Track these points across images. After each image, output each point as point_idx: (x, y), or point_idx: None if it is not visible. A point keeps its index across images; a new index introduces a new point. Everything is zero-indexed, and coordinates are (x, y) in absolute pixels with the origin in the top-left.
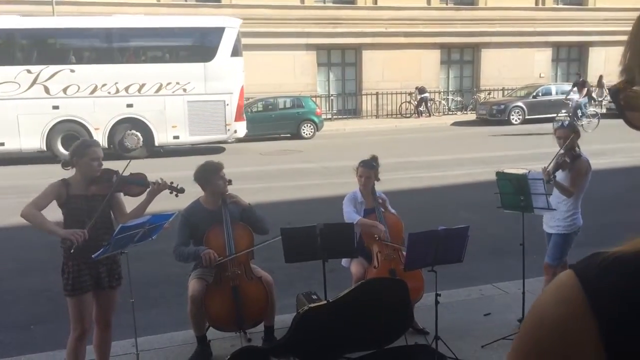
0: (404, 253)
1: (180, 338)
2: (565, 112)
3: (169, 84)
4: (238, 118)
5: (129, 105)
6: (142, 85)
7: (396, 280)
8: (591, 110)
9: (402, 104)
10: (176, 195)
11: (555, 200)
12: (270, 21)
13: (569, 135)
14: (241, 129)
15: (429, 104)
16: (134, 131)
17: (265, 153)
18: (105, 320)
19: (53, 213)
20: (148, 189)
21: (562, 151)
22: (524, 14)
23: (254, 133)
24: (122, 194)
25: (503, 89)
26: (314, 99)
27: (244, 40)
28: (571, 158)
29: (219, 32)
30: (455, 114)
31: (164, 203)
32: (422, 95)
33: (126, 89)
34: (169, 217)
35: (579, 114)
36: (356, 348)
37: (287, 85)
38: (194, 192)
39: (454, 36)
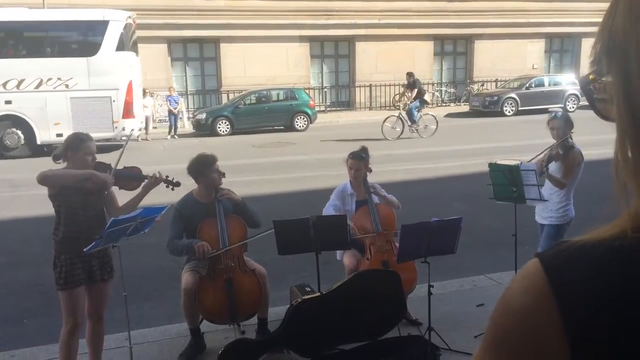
0: (397, 244)
1: (174, 331)
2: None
3: (49, 79)
4: (126, 115)
5: (8, 102)
6: (21, 81)
7: (389, 271)
8: (428, 114)
9: (395, 95)
10: (172, 189)
11: (548, 192)
12: (263, 13)
13: (562, 127)
14: (130, 126)
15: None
16: (14, 129)
17: (259, 145)
18: (98, 313)
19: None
20: (143, 183)
21: (556, 142)
22: (517, 4)
23: (247, 125)
24: (112, 187)
25: (496, 81)
26: (307, 91)
27: (237, 32)
28: (564, 149)
29: (102, 25)
30: (449, 105)
31: (157, 196)
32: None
33: (4, 84)
34: (160, 210)
35: (410, 120)
36: (350, 339)
37: (280, 77)
38: (190, 185)
39: (447, 28)
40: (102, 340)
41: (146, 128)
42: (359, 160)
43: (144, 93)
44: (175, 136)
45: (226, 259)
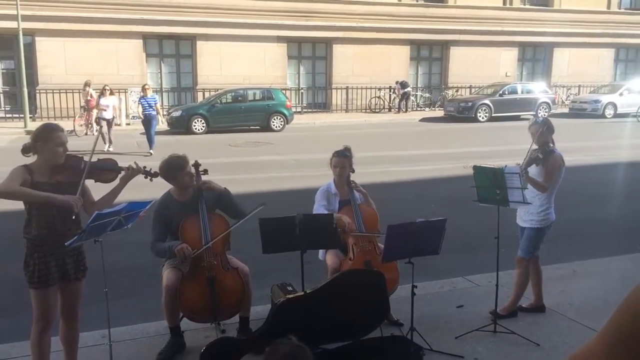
0: (380, 245)
1: (152, 329)
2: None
3: None
4: None
5: None
6: None
7: (374, 271)
8: None
9: (371, 98)
10: (150, 180)
11: (530, 195)
12: (241, 12)
13: (542, 131)
14: None
15: (409, 100)
16: None
17: (235, 145)
18: (72, 312)
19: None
20: (120, 175)
21: (535, 146)
22: (492, 13)
23: (223, 124)
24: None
25: (470, 87)
26: (283, 91)
27: (214, 30)
28: (544, 154)
29: None
30: (424, 110)
31: (135, 188)
32: (405, 90)
33: None
34: (145, 205)
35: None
36: (333, 339)
37: (257, 77)
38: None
39: (424, 33)
40: (77, 339)
41: (107, 136)
42: (343, 158)
43: (103, 91)
44: (151, 151)
45: (209, 256)
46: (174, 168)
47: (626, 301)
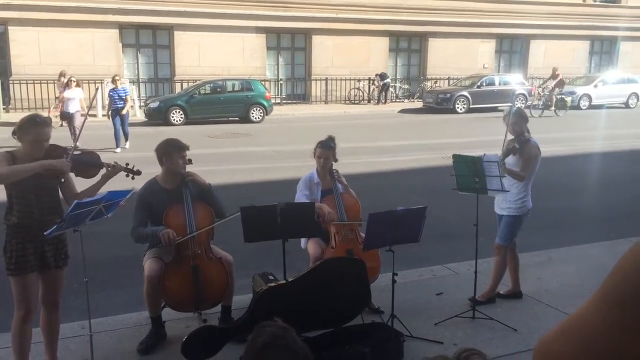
0: (362, 234)
1: (133, 320)
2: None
3: None
4: None
5: None
6: None
7: (355, 259)
8: None
9: (351, 90)
10: (132, 178)
11: (507, 183)
12: (219, 2)
13: (517, 121)
14: None
15: (389, 91)
16: None
17: (214, 136)
18: (53, 300)
19: None
20: (102, 171)
21: (510, 137)
22: (470, 5)
23: (202, 115)
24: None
25: (449, 78)
26: (263, 82)
27: (192, 20)
28: (520, 143)
29: None
30: (403, 101)
31: (119, 179)
32: (384, 82)
33: None
34: (125, 194)
35: None
36: (314, 327)
37: (236, 68)
38: (151, 174)
39: (403, 24)
40: (58, 329)
41: (76, 130)
42: (328, 149)
43: (68, 82)
44: (126, 146)
45: (193, 245)
46: (172, 146)
47: (619, 264)
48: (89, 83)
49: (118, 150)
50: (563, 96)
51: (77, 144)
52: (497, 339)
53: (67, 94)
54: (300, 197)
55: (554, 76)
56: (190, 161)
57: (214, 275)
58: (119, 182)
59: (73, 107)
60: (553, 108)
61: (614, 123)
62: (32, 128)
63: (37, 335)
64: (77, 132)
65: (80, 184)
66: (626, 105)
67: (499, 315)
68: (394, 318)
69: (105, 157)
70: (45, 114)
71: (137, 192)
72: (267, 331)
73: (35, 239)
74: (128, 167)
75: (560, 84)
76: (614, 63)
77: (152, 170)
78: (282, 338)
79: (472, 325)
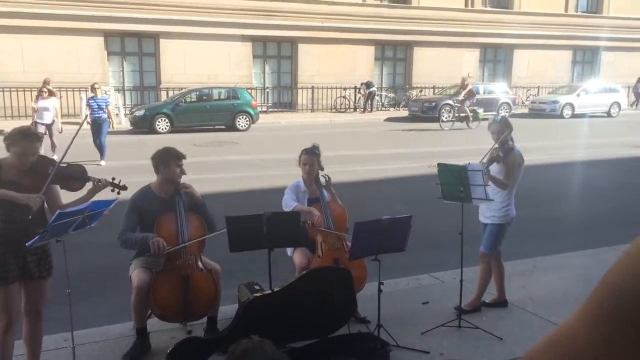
0: (348, 243)
1: (117, 331)
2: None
3: None
4: None
5: None
6: None
7: (341, 269)
8: None
9: (337, 98)
10: (118, 193)
11: (491, 192)
12: (205, 10)
13: (502, 130)
14: None
15: (375, 99)
16: None
17: (200, 144)
18: (36, 311)
19: None
20: (88, 185)
21: (496, 145)
22: (455, 14)
23: (188, 124)
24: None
25: (434, 87)
26: (249, 91)
27: (178, 28)
28: (504, 152)
29: None
30: (388, 110)
31: (102, 196)
32: (370, 90)
33: None
34: (109, 203)
35: None
36: (300, 337)
37: (222, 76)
38: (136, 183)
39: (388, 33)
40: (41, 340)
41: (52, 142)
42: (312, 155)
43: (41, 91)
44: (102, 162)
45: (185, 255)
46: (170, 154)
47: (607, 276)
48: (73, 91)
49: (102, 162)
50: (475, 108)
51: (64, 156)
52: (482, 348)
53: (41, 103)
54: (288, 199)
55: (463, 86)
56: (184, 172)
57: (204, 286)
58: (104, 193)
59: (48, 117)
60: (465, 121)
61: (597, 132)
62: (21, 141)
63: (19, 348)
64: (56, 142)
65: (68, 196)
66: (608, 114)
67: (484, 324)
68: (380, 327)
69: (89, 170)
70: (28, 122)
71: (131, 198)
72: (242, 346)
73: (18, 249)
74: (114, 181)
75: (470, 94)
76: (596, 72)
77: (138, 179)
78: (259, 347)
79: (458, 335)
